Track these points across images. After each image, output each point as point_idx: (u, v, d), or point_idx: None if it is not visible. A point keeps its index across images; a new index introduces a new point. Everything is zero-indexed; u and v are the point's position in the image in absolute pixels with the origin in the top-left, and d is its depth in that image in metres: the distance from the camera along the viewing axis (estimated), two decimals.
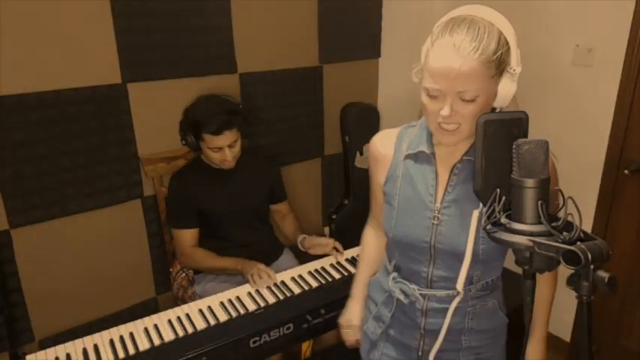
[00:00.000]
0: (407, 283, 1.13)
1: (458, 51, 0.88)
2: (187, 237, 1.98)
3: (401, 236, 1.09)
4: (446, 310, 1.10)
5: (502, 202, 0.82)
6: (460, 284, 1.05)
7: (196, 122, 1.86)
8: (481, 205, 1.01)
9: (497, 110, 0.98)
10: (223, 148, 1.87)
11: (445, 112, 0.92)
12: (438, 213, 1.04)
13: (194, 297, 1.97)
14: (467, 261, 1.02)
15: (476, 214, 0.99)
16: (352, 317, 1.36)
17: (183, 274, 2.06)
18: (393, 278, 1.16)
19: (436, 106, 0.94)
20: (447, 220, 1.04)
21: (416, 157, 1.07)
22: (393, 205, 1.09)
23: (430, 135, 1.05)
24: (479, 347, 1.18)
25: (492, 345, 1.20)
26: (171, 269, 2.16)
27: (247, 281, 1.80)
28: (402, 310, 1.17)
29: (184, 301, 1.96)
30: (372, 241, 1.35)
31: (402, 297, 1.13)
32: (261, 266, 1.82)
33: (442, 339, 1.12)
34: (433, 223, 1.04)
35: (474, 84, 0.89)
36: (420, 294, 1.11)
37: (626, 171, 2.00)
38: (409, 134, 1.11)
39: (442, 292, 1.09)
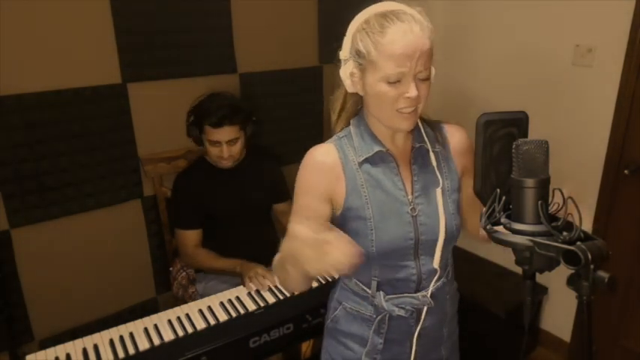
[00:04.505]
0: (401, 295, 1.09)
1: (414, 33, 0.94)
2: (191, 237, 1.99)
3: (386, 245, 1.04)
4: (442, 302, 1.14)
5: (502, 202, 0.82)
6: (436, 261, 1.07)
7: (200, 113, 1.90)
8: (441, 181, 1.08)
9: None
10: (222, 144, 1.89)
11: (413, 92, 0.96)
12: (414, 204, 1.06)
13: (194, 296, 1.97)
14: (441, 237, 1.06)
15: (439, 192, 1.06)
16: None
17: (184, 273, 2.06)
18: (384, 298, 1.09)
19: (397, 91, 0.97)
20: (422, 208, 1.07)
21: (373, 159, 1.07)
22: (365, 216, 1.04)
23: (373, 136, 1.07)
24: (453, 334, 1.24)
25: (456, 327, 1.26)
26: (171, 268, 2.16)
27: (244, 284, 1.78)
28: (393, 329, 1.13)
29: (184, 301, 1.95)
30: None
31: (402, 312, 1.09)
32: (260, 270, 1.78)
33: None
34: (412, 216, 1.05)
35: (429, 61, 0.97)
36: (427, 295, 1.09)
37: (626, 171, 2.00)
38: (347, 144, 1.09)
39: (439, 284, 1.11)
